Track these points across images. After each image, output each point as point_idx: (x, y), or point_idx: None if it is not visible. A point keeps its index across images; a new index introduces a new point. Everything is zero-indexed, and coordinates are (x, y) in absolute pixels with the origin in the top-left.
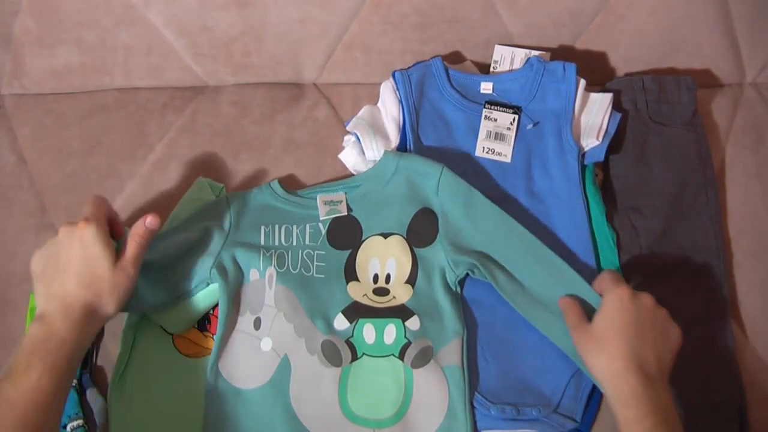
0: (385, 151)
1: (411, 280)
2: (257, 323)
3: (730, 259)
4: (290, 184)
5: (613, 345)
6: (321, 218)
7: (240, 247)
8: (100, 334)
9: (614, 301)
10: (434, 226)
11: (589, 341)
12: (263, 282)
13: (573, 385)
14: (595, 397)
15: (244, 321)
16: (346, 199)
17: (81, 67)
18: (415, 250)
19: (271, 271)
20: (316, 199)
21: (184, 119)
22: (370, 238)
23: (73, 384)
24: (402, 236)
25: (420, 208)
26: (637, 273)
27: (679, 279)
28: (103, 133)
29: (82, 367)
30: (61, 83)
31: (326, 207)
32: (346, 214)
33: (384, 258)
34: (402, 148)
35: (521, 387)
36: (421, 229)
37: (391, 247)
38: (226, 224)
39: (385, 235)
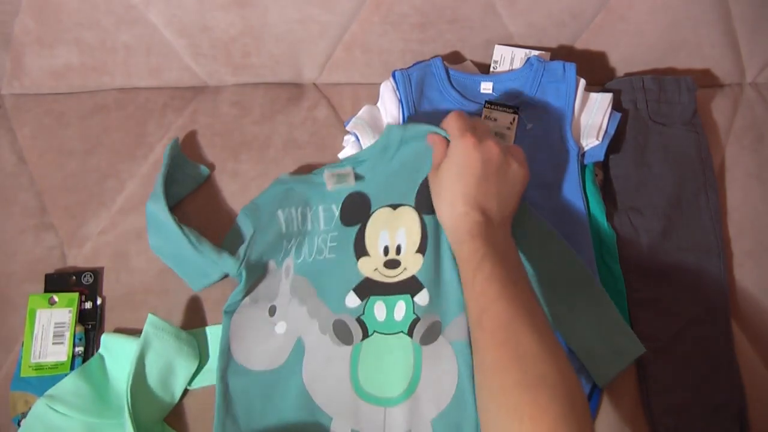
0: (388, 125)
1: (421, 249)
2: (272, 310)
3: (730, 259)
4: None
5: (455, 190)
6: (328, 188)
7: (263, 243)
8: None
9: (459, 149)
10: None
11: (436, 186)
12: (280, 272)
13: None
14: (595, 396)
15: (258, 308)
16: (354, 172)
17: (81, 67)
18: (424, 217)
19: (289, 262)
20: (323, 174)
21: (184, 119)
22: (379, 210)
23: (80, 353)
24: (410, 206)
25: (426, 175)
26: (637, 273)
27: (679, 279)
28: (103, 133)
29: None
30: (61, 83)
31: (334, 178)
32: (353, 184)
33: (394, 229)
34: None
35: None
36: (429, 196)
37: (401, 217)
38: (251, 231)
39: (394, 206)
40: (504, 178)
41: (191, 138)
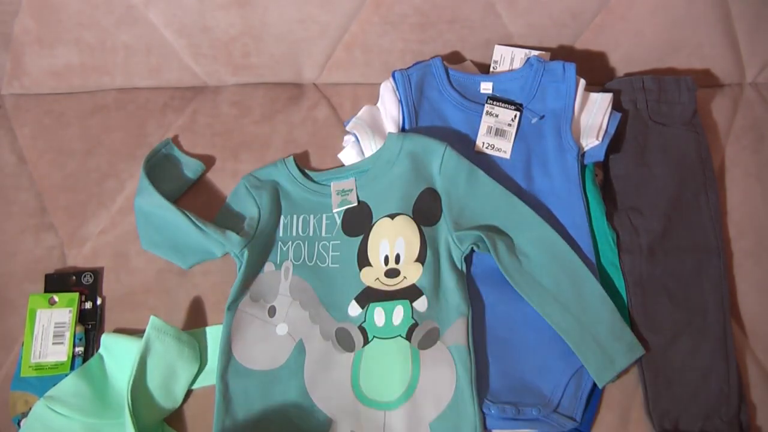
0: (389, 133)
1: (420, 258)
2: (272, 311)
3: (730, 259)
4: (304, 162)
5: None
6: (334, 210)
7: (261, 238)
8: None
9: None
10: (438, 204)
11: None
12: (278, 274)
13: (573, 384)
14: (595, 396)
15: (258, 308)
16: (356, 185)
17: (81, 67)
18: (423, 228)
19: (288, 264)
20: (329, 185)
21: (184, 119)
22: (379, 221)
23: (80, 353)
24: (409, 215)
25: (425, 187)
26: (637, 274)
27: (679, 279)
28: (103, 133)
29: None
30: (61, 83)
31: (339, 197)
32: (356, 204)
33: (393, 238)
34: None
35: (521, 386)
36: (427, 208)
37: (399, 226)
38: (255, 212)
39: (393, 216)
40: None
41: (191, 138)
